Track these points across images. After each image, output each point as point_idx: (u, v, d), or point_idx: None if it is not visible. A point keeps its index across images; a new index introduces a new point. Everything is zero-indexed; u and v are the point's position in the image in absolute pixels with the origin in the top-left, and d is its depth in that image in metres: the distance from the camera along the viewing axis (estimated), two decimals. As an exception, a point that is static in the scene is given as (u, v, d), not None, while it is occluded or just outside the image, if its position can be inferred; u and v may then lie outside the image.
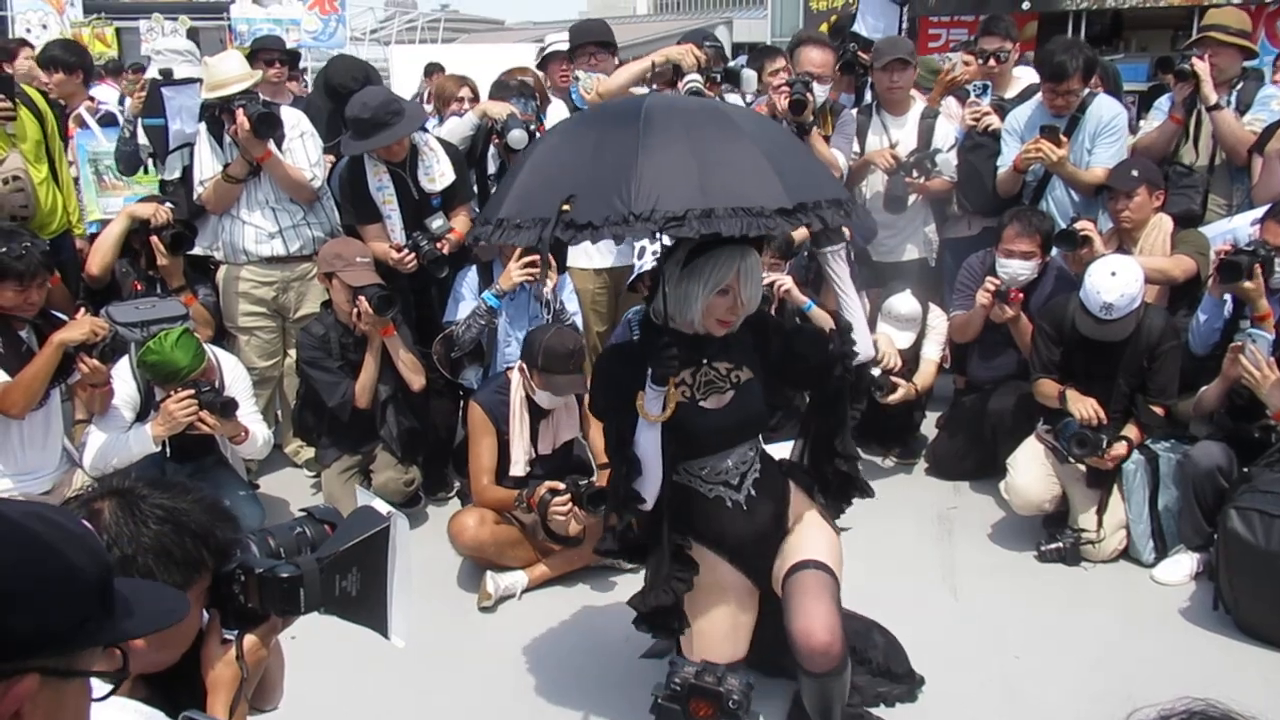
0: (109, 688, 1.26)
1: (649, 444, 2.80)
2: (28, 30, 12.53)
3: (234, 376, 4.32)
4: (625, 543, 3.10)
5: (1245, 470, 3.89)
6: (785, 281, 4.62)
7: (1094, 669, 3.44)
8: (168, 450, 4.12)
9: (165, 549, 1.63)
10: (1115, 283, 4.05)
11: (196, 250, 4.85)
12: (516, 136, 4.79)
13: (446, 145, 4.93)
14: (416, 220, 4.76)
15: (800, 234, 4.88)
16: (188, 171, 4.90)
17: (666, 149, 2.46)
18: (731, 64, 5.40)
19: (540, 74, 5.63)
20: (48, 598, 1.08)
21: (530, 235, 2.48)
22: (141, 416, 4.13)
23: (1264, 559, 3.59)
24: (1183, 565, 4.07)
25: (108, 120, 5.89)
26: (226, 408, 4.05)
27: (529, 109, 5.05)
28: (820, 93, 5.15)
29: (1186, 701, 1.26)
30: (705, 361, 2.90)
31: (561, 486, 3.85)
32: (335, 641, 2.27)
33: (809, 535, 3.02)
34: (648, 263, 4.30)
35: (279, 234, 4.84)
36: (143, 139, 5.09)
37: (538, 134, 4.85)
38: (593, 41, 5.37)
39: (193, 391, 3.97)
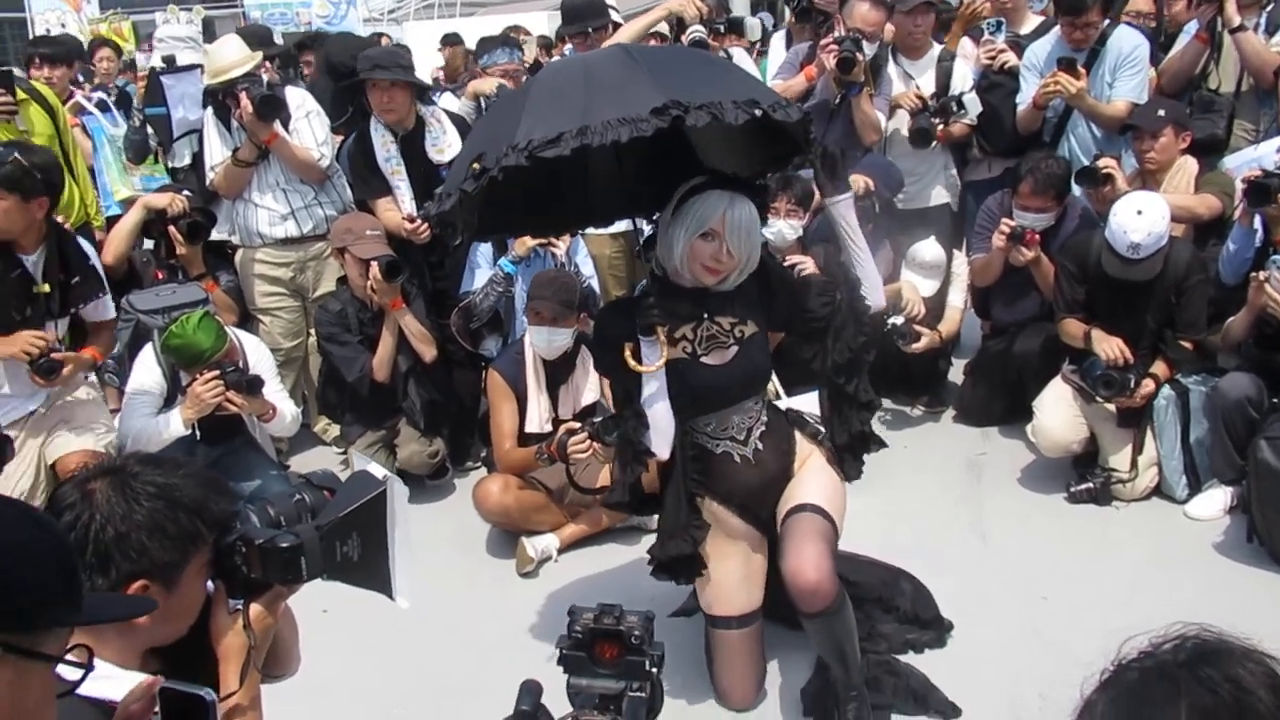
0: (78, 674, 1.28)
1: (656, 395, 2.80)
2: (47, 29, 12.64)
3: (257, 356, 4.35)
4: (635, 494, 3.11)
5: (1275, 400, 3.81)
6: (806, 264, 4.56)
7: (1125, 608, 3.39)
8: (197, 433, 4.16)
9: (158, 525, 1.64)
10: (1142, 221, 3.97)
11: (215, 236, 4.89)
12: None
13: (454, 116, 4.94)
14: (426, 191, 4.74)
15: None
16: (197, 158, 4.93)
17: (556, 91, 2.59)
18: (734, 14, 5.33)
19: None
20: (13, 580, 1.12)
21: (452, 200, 2.58)
22: (168, 402, 4.17)
23: (1295, 488, 3.53)
24: (1216, 500, 4.01)
25: (105, 106, 5.92)
26: (252, 386, 4.09)
27: (514, 58, 5.07)
28: (869, 51, 5.00)
29: (1180, 628, 1.24)
30: (706, 316, 2.89)
31: (577, 426, 3.85)
32: (372, 614, 2.29)
33: (808, 479, 3.02)
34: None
35: (291, 215, 4.87)
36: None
37: None
38: (577, 31, 5.27)
39: (217, 372, 4.00)
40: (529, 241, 4.50)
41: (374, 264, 4.38)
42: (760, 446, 3.00)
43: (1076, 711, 1.25)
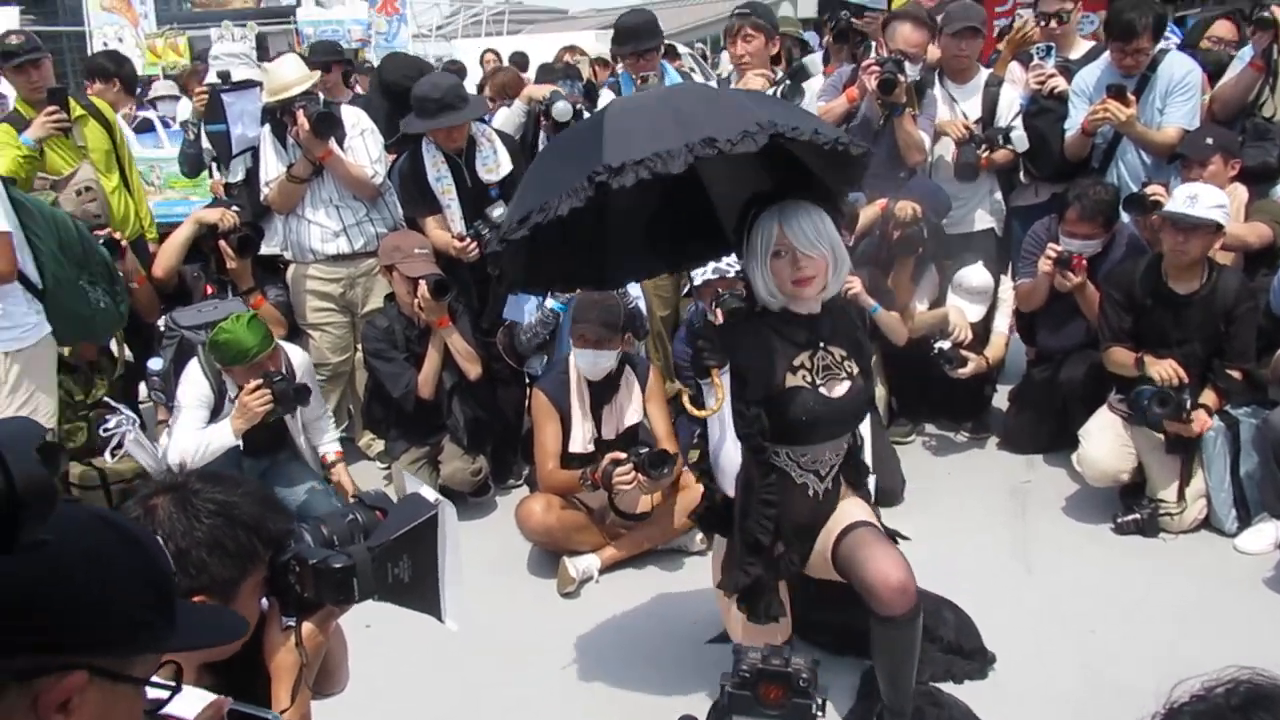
0: (165, 694, 1.29)
1: (721, 438, 2.83)
2: (104, 43, 12.92)
3: (303, 368, 4.41)
4: (715, 517, 3.11)
5: (1329, 434, 3.75)
6: (853, 283, 4.55)
7: (1173, 643, 3.35)
8: (241, 444, 4.22)
9: (218, 541, 1.68)
10: (1203, 187, 4.01)
11: (265, 251, 4.97)
12: (560, 109, 4.87)
13: (503, 136, 4.99)
14: (476, 210, 4.82)
15: (869, 215, 4.87)
16: (250, 174, 5.01)
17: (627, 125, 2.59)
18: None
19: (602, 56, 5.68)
20: (106, 602, 1.12)
21: (515, 235, 2.58)
22: (214, 414, 4.24)
23: (1350, 525, 3.48)
24: (1266, 534, 3.95)
25: (143, 127, 6.04)
26: (300, 394, 4.14)
27: (574, 90, 5.10)
28: (912, 72, 4.98)
29: (1233, 671, 1.23)
30: (822, 345, 2.89)
31: (623, 456, 3.86)
32: (415, 631, 2.32)
33: (850, 507, 3.02)
34: (707, 271, 4.29)
35: (343, 231, 4.93)
36: (205, 143, 5.22)
37: (584, 112, 4.92)
38: (631, 51, 5.18)
39: (263, 381, 4.06)
40: None
41: (422, 282, 4.43)
42: (831, 486, 3.00)
43: None
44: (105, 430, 4.28)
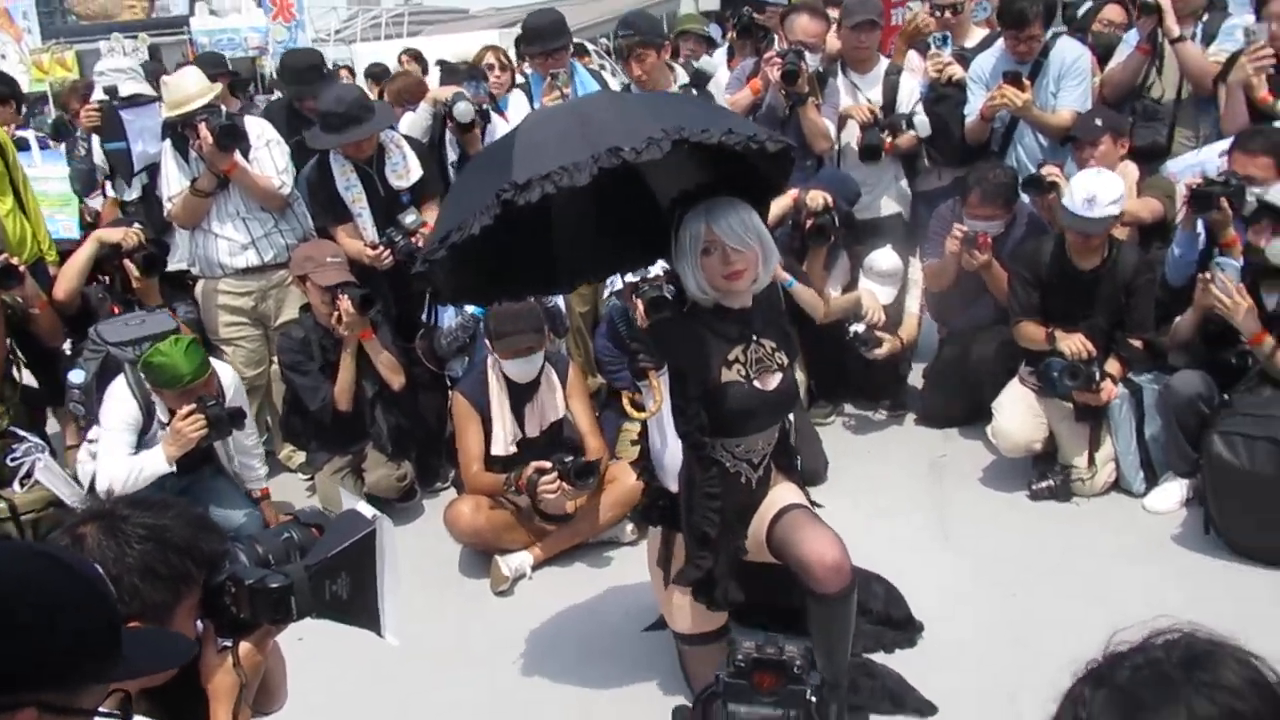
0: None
1: (662, 437, 2.90)
2: (-12, 60, 12.46)
3: (234, 389, 4.30)
4: (657, 511, 3.14)
5: (1225, 396, 3.93)
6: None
7: (1090, 602, 3.47)
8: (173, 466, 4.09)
9: (150, 567, 1.66)
10: (1099, 181, 4.12)
11: (172, 267, 4.86)
12: (461, 109, 4.88)
13: (412, 141, 4.96)
14: (388, 217, 4.79)
15: (781, 206, 4.94)
16: (148, 190, 4.90)
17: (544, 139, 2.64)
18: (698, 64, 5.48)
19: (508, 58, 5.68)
20: (50, 636, 1.11)
21: (439, 254, 2.63)
22: (142, 435, 4.10)
23: (1249, 480, 3.66)
24: (1172, 493, 4.13)
25: (20, 145, 5.87)
26: (235, 419, 4.04)
27: (480, 91, 5.10)
28: (813, 62, 5.08)
29: (1166, 623, 1.30)
30: (754, 337, 2.94)
31: (548, 465, 3.89)
32: (350, 642, 2.31)
33: (783, 490, 3.09)
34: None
35: (252, 244, 4.84)
36: (99, 158, 5.08)
37: (489, 112, 4.94)
38: (539, 51, 5.19)
39: (196, 406, 3.95)
40: None
41: (345, 297, 4.38)
42: (763, 474, 3.06)
43: (1061, 701, 1.30)
44: (13, 460, 4.15)
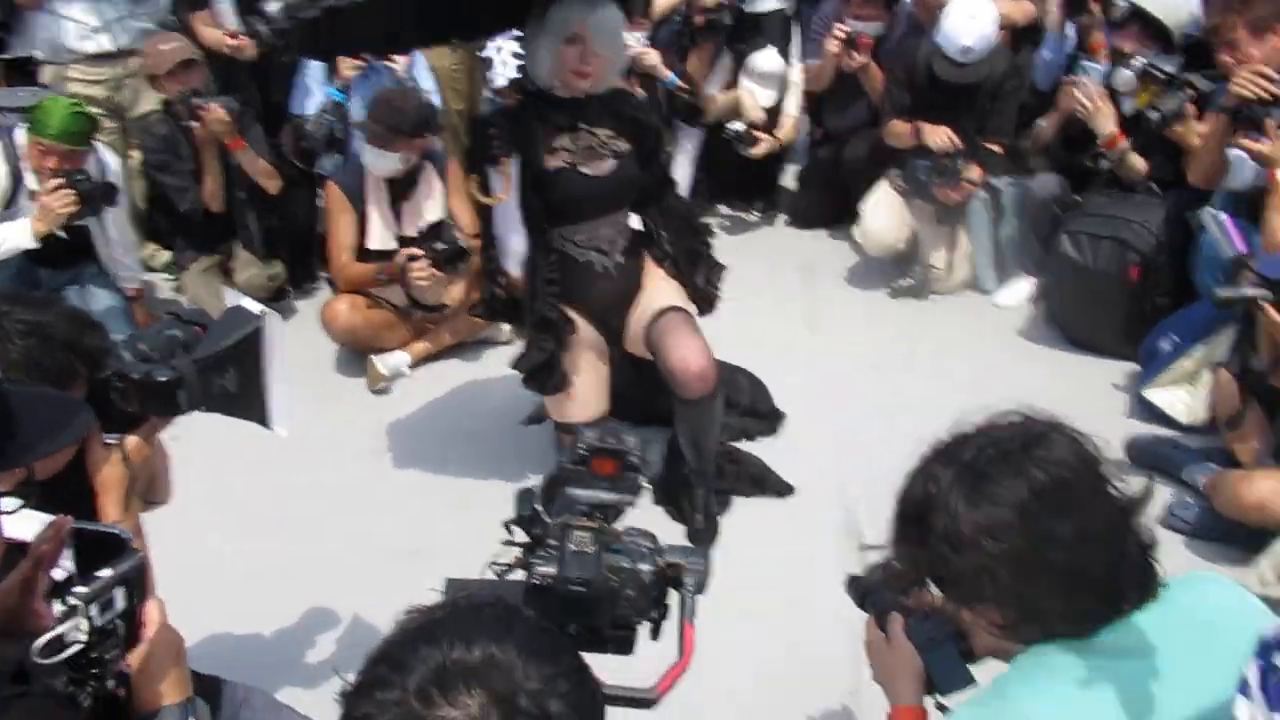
0: (18, 502, 1.31)
1: (507, 222, 2.89)
2: None
3: (116, 175, 4.09)
4: (498, 305, 3.24)
5: (1077, 198, 4.13)
6: (650, 55, 4.58)
7: (942, 386, 3.73)
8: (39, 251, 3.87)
9: (35, 361, 1.66)
10: (974, 25, 4.16)
11: (16, 54, 4.53)
12: None
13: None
14: (249, 4, 4.52)
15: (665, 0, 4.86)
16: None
17: None
18: None
19: None
20: None
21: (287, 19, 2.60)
22: (8, 206, 3.86)
23: (1089, 275, 3.92)
24: (1019, 290, 4.40)
25: None
26: (107, 194, 3.85)
27: None
28: None
29: (1007, 409, 1.45)
30: (583, 126, 2.94)
31: (419, 252, 3.88)
32: (227, 437, 2.35)
33: (663, 287, 3.18)
34: (510, 68, 4.21)
35: (105, 28, 4.51)
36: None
37: None
38: None
39: (64, 180, 3.72)
40: (348, 67, 4.37)
41: (215, 105, 4.15)
42: (622, 259, 3.12)
43: (911, 476, 1.46)
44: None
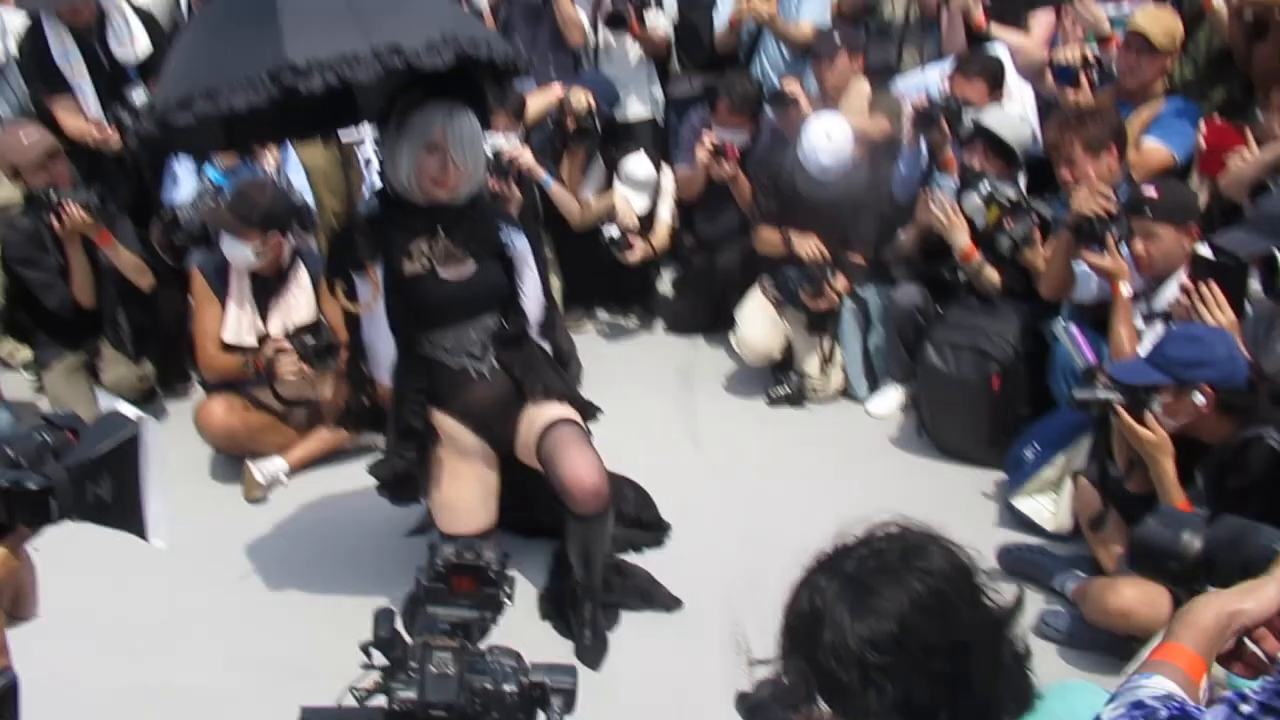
0: None
1: (375, 329, 2.88)
2: None
3: None
4: (363, 415, 3.19)
5: (939, 309, 4.31)
6: (524, 155, 4.63)
7: (820, 498, 3.74)
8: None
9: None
10: (830, 145, 4.35)
11: None
12: None
13: (145, 16, 4.56)
14: (113, 91, 4.41)
15: (542, 104, 4.92)
16: None
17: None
18: None
19: None
20: None
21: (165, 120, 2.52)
22: None
23: (954, 385, 4.05)
24: (891, 398, 4.53)
25: None
26: None
27: None
28: None
29: (886, 518, 1.47)
30: (440, 231, 2.93)
31: (287, 345, 3.78)
32: (93, 550, 2.21)
33: (553, 402, 3.14)
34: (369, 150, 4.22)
35: (-43, 112, 4.34)
36: None
37: None
38: None
39: None
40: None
41: (72, 203, 3.99)
42: (495, 365, 3.09)
43: (795, 589, 1.46)
44: None
